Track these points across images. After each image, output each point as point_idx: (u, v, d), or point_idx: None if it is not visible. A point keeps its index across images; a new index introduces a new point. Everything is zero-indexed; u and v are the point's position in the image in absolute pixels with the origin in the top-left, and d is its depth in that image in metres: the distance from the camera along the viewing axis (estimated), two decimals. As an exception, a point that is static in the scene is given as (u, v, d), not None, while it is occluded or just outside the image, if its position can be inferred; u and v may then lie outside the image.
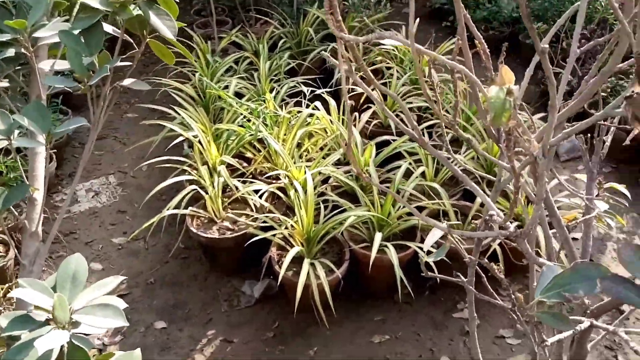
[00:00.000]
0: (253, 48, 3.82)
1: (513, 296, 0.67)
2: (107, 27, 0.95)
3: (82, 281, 0.91)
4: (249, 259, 2.47)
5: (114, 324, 0.84)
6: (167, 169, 2.68)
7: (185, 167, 2.65)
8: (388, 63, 3.63)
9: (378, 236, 2.07)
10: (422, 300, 2.36)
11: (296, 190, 2.25)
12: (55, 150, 3.17)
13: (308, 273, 2.02)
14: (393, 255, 2.05)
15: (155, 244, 2.75)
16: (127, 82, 1.00)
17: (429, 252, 1.81)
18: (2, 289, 2.05)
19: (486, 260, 0.84)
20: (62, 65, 0.93)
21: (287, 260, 1.98)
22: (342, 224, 2.14)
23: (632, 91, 0.60)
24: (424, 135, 0.84)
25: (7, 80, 1.02)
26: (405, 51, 3.65)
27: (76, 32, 0.88)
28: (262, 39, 3.74)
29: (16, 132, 0.88)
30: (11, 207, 0.98)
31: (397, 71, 3.47)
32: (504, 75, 0.77)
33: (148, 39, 1.00)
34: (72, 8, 0.98)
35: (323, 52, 3.65)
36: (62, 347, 0.82)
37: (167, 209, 2.37)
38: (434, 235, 1.50)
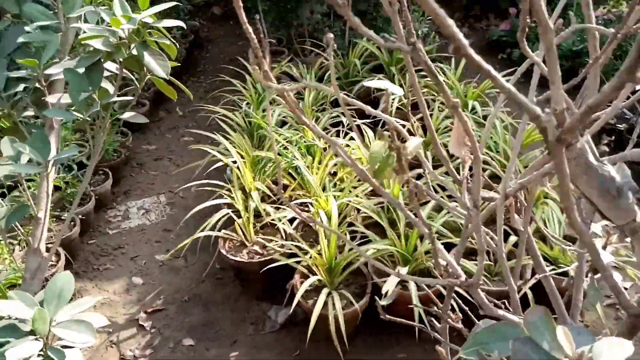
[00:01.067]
0: (302, 78, 3.94)
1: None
2: (111, 66, 1.05)
3: (66, 297, 0.98)
4: (277, 284, 2.52)
5: (85, 339, 0.90)
6: (212, 192, 2.81)
7: (223, 192, 2.77)
8: (434, 95, 3.61)
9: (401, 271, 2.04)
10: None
11: (321, 221, 2.28)
12: (111, 168, 3.41)
13: (327, 303, 2.03)
14: (413, 291, 2.02)
15: (194, 262, 2.87)
16: (126, 115, 1.10)
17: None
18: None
19: (437, 309, 0.83)
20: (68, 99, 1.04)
21: (302, 289, 2.01)
22: (358, 256, 2.14)
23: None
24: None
25: (32, 109, 1.15)
26: (451, 84, 3.62)
27: (80, 70, 0.98)
28: (310, 69, 3.85)
29: (25, 157, 0.99)
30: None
31: (443, 104, 3.44)
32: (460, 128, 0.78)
33: (149, 76, 1.09)
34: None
35: (366, 83, 3.70)
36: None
37: (202, 230, 2.48)
38: (390, 282, 1.47)
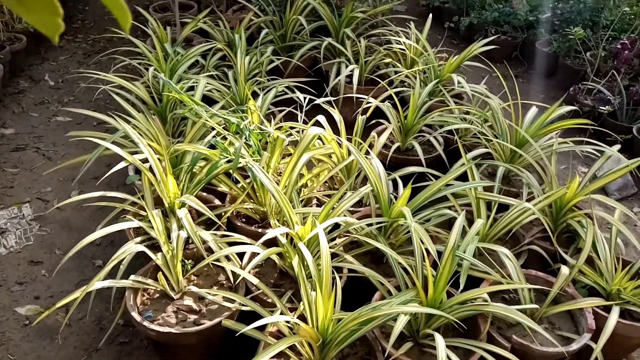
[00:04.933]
0: (225, 38, 2.97)
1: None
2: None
3: None
4: (226, 350, 1.65)
5: None
6: (109, 206, 1.81)
7: (127, 207, 1.79)
8: (397, 66, 2.87)
9: (441, 344, 1.28)
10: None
11: (302, 260, 1.43)
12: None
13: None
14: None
15: (81, 317, 1.87)
16: None
17: None
18: None
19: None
20: None
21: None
22: (371, 321, 1.34)
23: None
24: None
25: None
26: (420, 51, 2.90)
27: None
28: (237, 28, 2.90)
29: None
30: None
31: (410, 77, 2.71)
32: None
33: None
34: None
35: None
36: None
37: (99, 278, 1.51)
38: None
